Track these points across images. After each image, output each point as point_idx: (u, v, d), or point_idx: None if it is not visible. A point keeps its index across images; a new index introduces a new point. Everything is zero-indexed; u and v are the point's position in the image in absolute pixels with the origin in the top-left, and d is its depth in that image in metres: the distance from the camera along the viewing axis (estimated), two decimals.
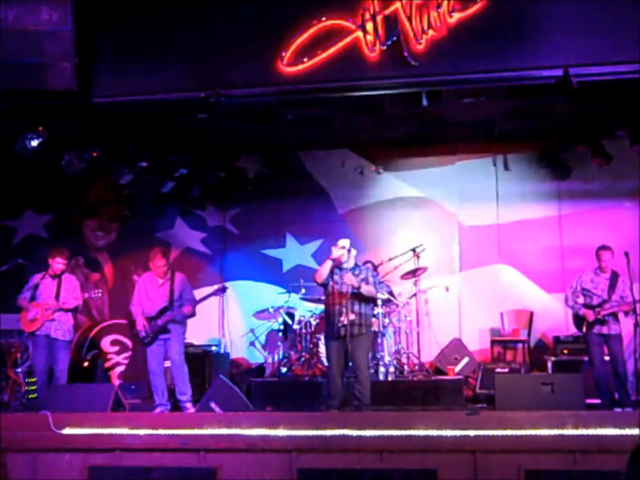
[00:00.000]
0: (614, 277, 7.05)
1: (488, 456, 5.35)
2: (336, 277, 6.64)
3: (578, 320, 7.13)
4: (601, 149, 8.24)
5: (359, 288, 6.52)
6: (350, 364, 6.57)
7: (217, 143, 8.88)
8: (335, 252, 6.61)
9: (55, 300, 7.25)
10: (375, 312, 7.55)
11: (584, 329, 7.04)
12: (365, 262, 7.66)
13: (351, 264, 6.73)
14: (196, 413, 6.63)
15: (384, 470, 5.43)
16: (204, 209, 9.80)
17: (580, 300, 7.09)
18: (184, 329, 7.29)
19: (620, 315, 6.99)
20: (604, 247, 7.11)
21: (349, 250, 6.69)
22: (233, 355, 9.27)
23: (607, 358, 7.01)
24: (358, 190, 9.50)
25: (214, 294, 7.52)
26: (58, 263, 7.39)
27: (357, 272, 6.68)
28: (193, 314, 7.23)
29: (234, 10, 6.65)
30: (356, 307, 6.56)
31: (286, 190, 9.47)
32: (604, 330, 6.94)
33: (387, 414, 6.63)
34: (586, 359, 7.35)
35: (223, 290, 7.66)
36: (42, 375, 7.30)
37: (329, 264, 6.62)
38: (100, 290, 7.59)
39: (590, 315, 6.96)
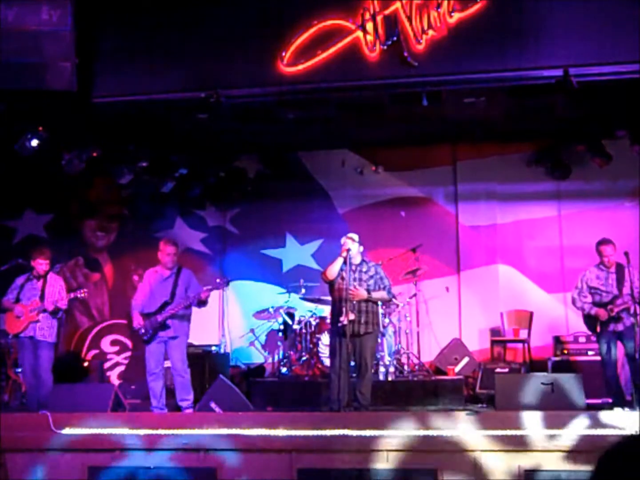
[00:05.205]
0: (620, 269, 6.62)
1: (488, 456, 5.35)
2: (343, 273, 6.44)
3: (590, 320, 6.72)
4: (601, 149, 8.24)
5: (369, 297, 6.41)
6: (353, 363, 6.52)
7: (217, 143, 8.88)
8: (343, 243, 6.44)
9: (40, 301, 7.08)
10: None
11: (598, 329, 6.64)
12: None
13: (358, 259, 6.57)
14: (196, 413, 6.62)
15: (384, 470, 5.43)
16: (204, 209, 9.79)
17: (589, 299, 6.69)
18: (187, 329, 6.99)
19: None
20: (604, 241, 6.74)
21: (358, 244, 6.54)
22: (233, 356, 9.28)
23: (619, 355, 6.69)
24: (358, 190, 9.49)
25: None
26: (40, 264, 7.20)
27: (365, 269, 6.57)
28: (205, 302, 6.93)
29: (234, 10, 6.66)
30: (362, 305, 6.41)
31: (286, 190, 9.45)
32: (619, 327, 6.54)
33: (387, 414, 6.61)
34: (586, 359, 7.32)
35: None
36: (28, 376, 7.18)
37: (340, 261, 6.42)
38: (85, 290, 7.30)
39: (602, 314, 6.55)
